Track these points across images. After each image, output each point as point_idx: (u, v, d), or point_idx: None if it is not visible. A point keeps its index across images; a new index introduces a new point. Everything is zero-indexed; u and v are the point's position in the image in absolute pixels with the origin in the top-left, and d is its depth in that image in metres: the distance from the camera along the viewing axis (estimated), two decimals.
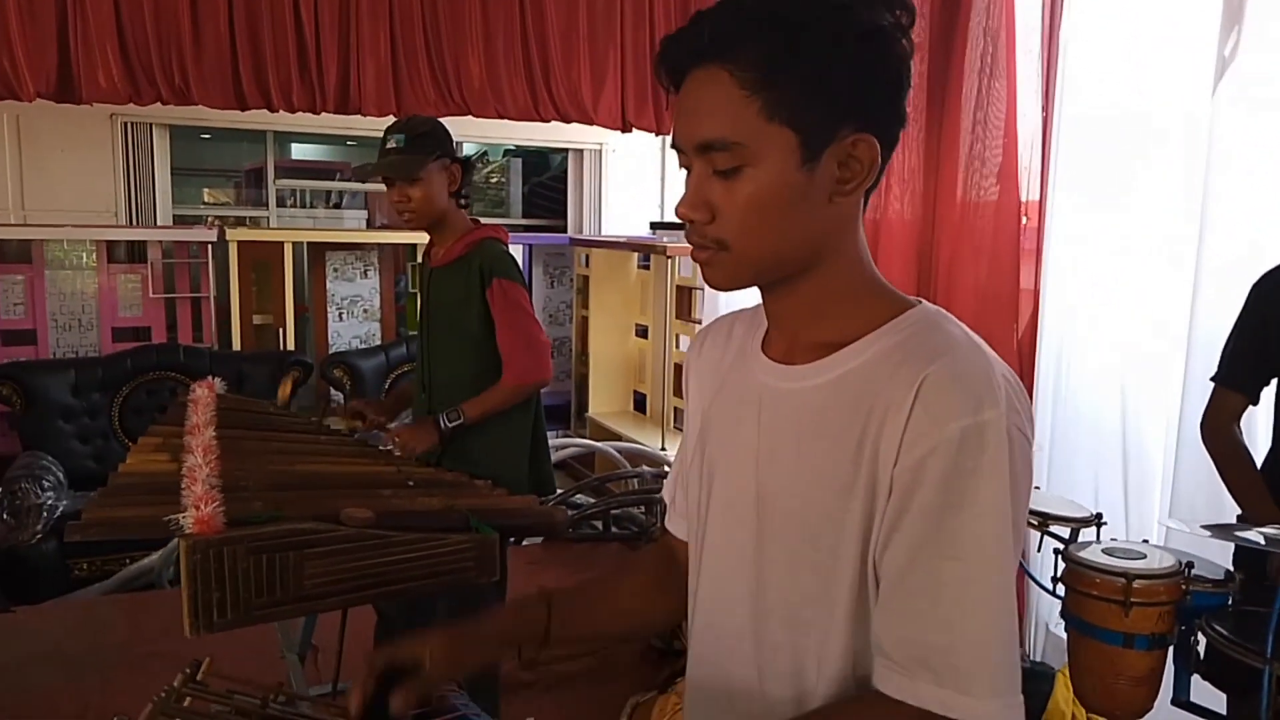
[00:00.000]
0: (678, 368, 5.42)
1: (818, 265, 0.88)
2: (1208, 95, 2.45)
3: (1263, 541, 1.54)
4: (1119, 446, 2.75)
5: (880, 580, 0.83)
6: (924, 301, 0.91)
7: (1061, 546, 1.80)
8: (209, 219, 6.28)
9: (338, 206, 7.02)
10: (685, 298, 5.56)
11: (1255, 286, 1.93)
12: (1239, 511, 1.96)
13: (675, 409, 5.61)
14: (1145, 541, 1.94)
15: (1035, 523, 1.89)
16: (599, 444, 5.12)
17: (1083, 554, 1.70)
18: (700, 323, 5.23)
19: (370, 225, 6.68)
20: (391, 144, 2.28)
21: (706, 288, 4.50)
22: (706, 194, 0.86)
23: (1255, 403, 1.95)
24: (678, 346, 5.55)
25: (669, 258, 5.37)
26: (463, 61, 3.97)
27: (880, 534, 0.83)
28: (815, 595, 0.87)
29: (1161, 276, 2.63)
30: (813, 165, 0.83)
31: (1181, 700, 1.73)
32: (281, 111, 3.84)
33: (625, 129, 4.37)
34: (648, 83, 4.28)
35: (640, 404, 6.15)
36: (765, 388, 0.93)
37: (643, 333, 6.10)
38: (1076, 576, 1.68)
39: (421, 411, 2.45)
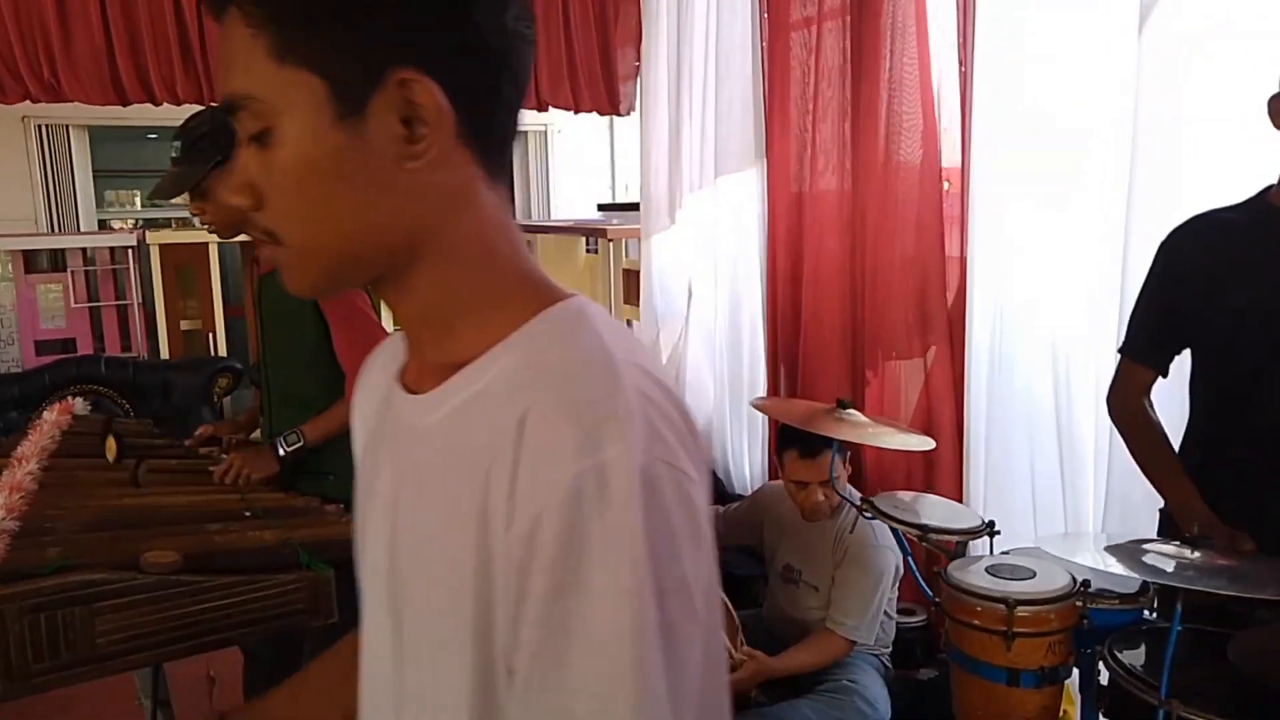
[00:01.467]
0: None
1: (422, 256, 0.67)
2: (1133, 37, 2.21)
3: (1170, 569, 1.29)
4: (1053, 426, 2.52)
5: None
6: (577, 297, 0.70)
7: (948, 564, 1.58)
8: (173, 222, 6.05)
9: None
10: (633, 281, 5.33)
11: (1162, 245, 1.70)
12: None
13: None
14: (1067, 537, 1.70)
15: (915, 536, 1.67)
16: None
17: (961, 575, 1.47)
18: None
19: None
20: (172, 153, 2.02)
21: (650, 268, 4.27)
22: (249, 171, 0.65)
23: (1164, 375, 1.72)
24: None
25: (610, 241, 5.13)
26: None
27: (505, 626, 0.61)
28: (445, 700, 0.66)
29: (1093, 241, 2.39)
30: (356, 120, 0.62)
31: None
32: (167, 105, 3.59)
33: (540, 108, 4.12)
34: (562, 59, 4.03)
35: None
36: (398, 424, 0.73)
37: None
38: (954, 603, 1.45)
39: (265, 437, 2.24)
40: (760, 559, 2.82)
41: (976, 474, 2.72)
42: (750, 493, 3.04)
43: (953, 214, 2.77)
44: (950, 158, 2.76)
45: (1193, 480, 1.67)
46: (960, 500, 2.79)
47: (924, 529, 1.67)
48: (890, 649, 2.74)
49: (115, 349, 5.20)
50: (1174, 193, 2.09)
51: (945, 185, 2.75)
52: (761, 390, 3.59)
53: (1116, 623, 1.49)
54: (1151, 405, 1.75)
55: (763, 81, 3.40)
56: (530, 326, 0.67)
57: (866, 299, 3.05)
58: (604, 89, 4.23)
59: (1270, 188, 1.61)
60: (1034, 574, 1.47)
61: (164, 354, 5.12)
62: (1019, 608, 1.38)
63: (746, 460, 3.64)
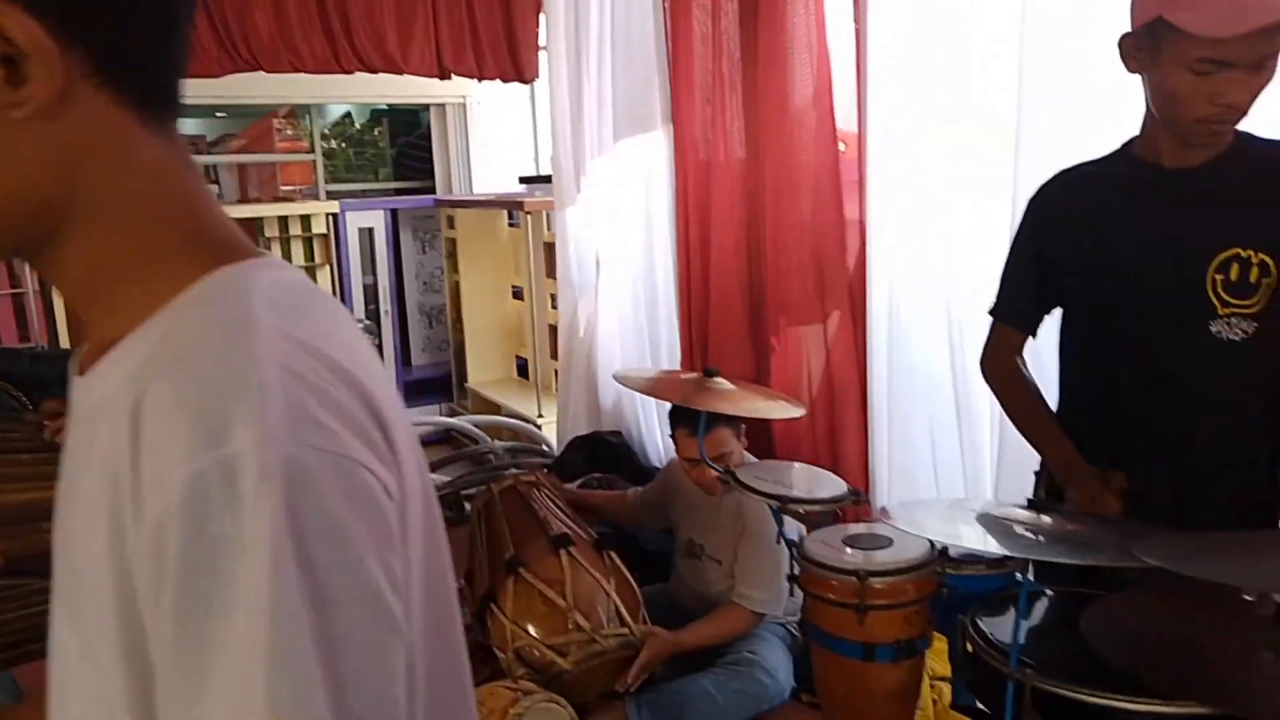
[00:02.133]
0: (552, 329, 5.10)
1: (66, 220, 0.58)
2: None
3: (1016, 536, 1.23)
4: (951, 391, 2.48)
5: None
6: (251, 260, 0.61)
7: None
8: None
9: None
10: (555, 254, 5.22)
11: (1030, 203, 1.65)
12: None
13: (555, 372, 5.30)
14: (926, 503, 1.65)
15: (775, 506, 1.60)
16: (452, 420, 4.80)
17: (814, 547, 1.41)
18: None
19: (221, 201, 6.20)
20: None
21: (565, 239, 4.16)
22: None
23: (1034, 336, 1.68)
24: (552, 307, 5.21)
25: (528, 213, 5.01)
26: (247, 14, 3.54)
27: (155, 642, 0.53)
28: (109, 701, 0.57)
29: (983, 204, 2.34)
30: None
31: (962, 705, 1.46)
32: None
33: (443, 75, 3.98)
34: (464, 25, 3.88)
35: (524, 369, 5.83)
36: (74, 407, 0.64)
37: (520, 294, 5.76)
38: (809, 577, 1.39)
39: None
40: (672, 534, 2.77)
41: (880, 439, 2.69)
42: (661, 469, 2.98)
43: (851, 178, 2.71)
44: (847, 120, 2.70)
45: (1070, 438, 1.64)
46: (866, 465, 2.76)
47: (783, 499, 1.60)
48: (798, 616, 2.71)
49: (12, 339, 4.98)
50: (1058, 152, 2.04)
51: (841, 147, 2.68)
52: (677, 361, 3.53)
53: (983, 589, 1.44)
54: (1025, 364, 1.71)
55: (666, 46, 3.30)
56: (185, 295, 0.58)
57: (768, 265, 2.98)
58: (508, 55, 4.10)
59: (1134, 140, 1.56)
60: (891, 543, 1.41)
61: (64, 343, 4.90)
62: (871, 579, 1.32)
63: (659, 432, 3.57)
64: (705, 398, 2.04)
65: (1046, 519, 1.25)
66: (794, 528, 2.13)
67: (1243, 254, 1.40)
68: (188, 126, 8.31)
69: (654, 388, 2.17)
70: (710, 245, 3.26)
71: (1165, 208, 1.48)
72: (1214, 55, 1.33)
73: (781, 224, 2.89)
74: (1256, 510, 1.50)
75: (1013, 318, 1.68)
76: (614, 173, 3.56)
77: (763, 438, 3.00)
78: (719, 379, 2.07)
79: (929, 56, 2.42)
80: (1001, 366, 1.68)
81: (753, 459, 2.47)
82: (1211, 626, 1.14)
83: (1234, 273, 1.40)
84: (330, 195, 6.15)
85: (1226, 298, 1.42)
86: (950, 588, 1.38)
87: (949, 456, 2.51)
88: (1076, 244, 1.56)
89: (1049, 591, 1.45)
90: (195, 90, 4.58)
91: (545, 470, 3.19)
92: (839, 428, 2.83)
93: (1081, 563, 1.10)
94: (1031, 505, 1.29)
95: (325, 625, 0.49)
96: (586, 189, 3.70)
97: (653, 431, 3.61)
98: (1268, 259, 1.40)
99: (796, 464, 2.11)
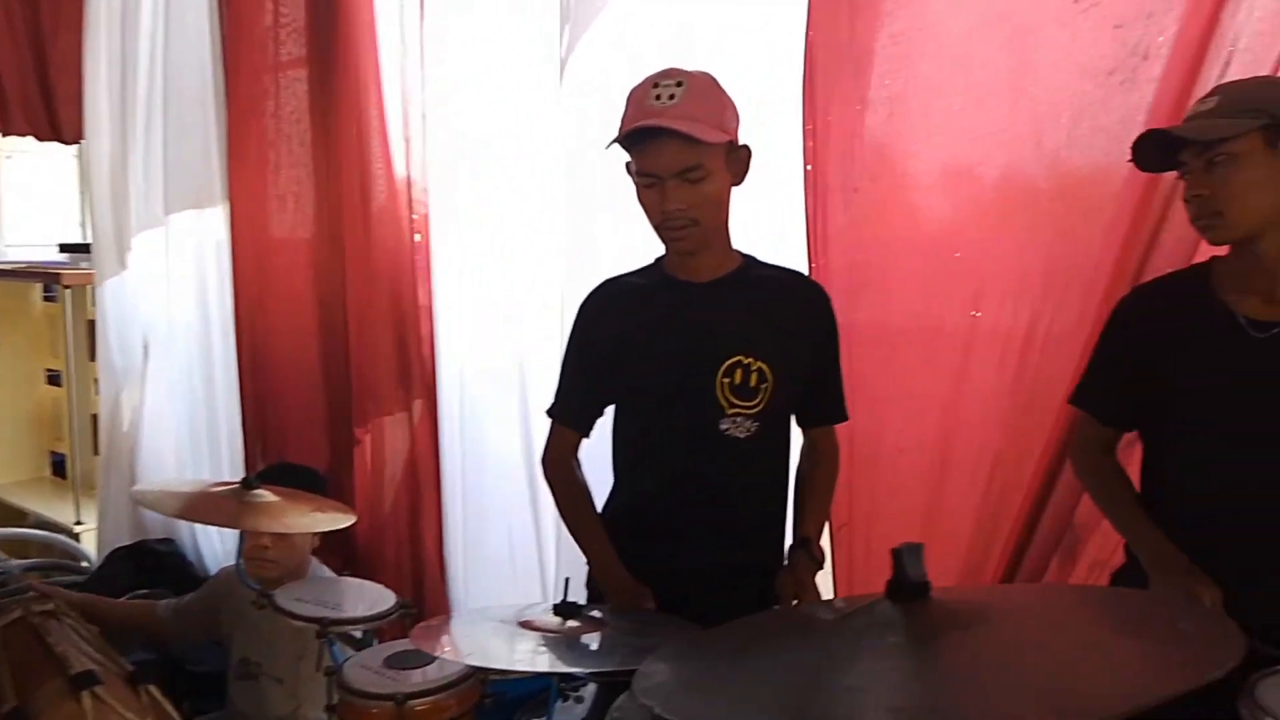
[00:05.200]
0: (96, 420, 4.44)
1: None
2: (555, 82, 2.25)
3: (525, 646, 1.20)
4: (526, 491, 2.47)
5: None
6: None
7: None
8: None
9: None
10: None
11: (579, 310, 1.73)
12: None
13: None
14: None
15: (317, 630, 1.47)
16: None
17: (353, 673, 1.30)
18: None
19: None
20: None
21: (105, 319, 3.63)
22: None
23: (587, 435, 1.75)
24: (95, 393, 4.55)
25: (68, 287, 4.36)
26: None
27: None
28: None
29: (541, 296, 2.41)
30: None
31: None
32: None
33: None
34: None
35: (61, 467, 4.99)
36: None
37: (58, 379, 4.95)
38: (346, 708, 1.28)
39: None
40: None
41: (454, 536, 2.62)
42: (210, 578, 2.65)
43: (420, 262, 2.68)
44: (413, 200, 2.67)
45: (615, 523, 1.70)
46: (441, 569, 2.68)
47: (324, 621, 1.47)
48: None
49: None
50: (598, 251, 2.16)
51: (417, 238, 2.65)
52: (240, 459, 3.21)
53: (530, 690, 1.42)
54: (579, 464, 1.75)
55: (224, 115, 3.07)
56: None
57: (352, 351, 2.83)
58: (44, 111, 3.60)
59: (663, 256, 1.69)
60: (434, 659, 1.35)
61: None
62: (411, 701, 1.23)
63: (216, 538, 3.21)
64: (245, 515, 1.82)
65: (572, 623, 1.26)
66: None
67: (744, 361, 1.56)
68: None
69: (186, 510, 1.89)
70: (279, 330, 3.05)
71: (679, 316, 1.61)
72: (640, 167, 1.51)
73: (362, 308, 2.78)
74: (764, 592, 1.64)
75: (566, 418, 1.73)
76: (164, 247, 3.21)
77: (343, 535, 2.80)
78: (259, 491, 1.86)
79: (480, 142, 2.46)
80: (559, 467, 1.72)
81: (325, 571, 2.28)
82: None
83: (738, 377, 1.56)
84: None
85: (733, 399, 1.57)
86: (495, 695, 1.34)
87: (526, 554, 2.50)
88: (613, 347, 1.65)
89: (591, 687, 1.46)
90: None
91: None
92: (421, 523, 2.73)
93: (583, 671, 1.11)
94: (557, 610, 1.30)
95: None
96: (132, 263, 3.30)
97: (209, 538, 3.22)
98: (764, 367, 1.57)
99: (345, 578, 1.97)
